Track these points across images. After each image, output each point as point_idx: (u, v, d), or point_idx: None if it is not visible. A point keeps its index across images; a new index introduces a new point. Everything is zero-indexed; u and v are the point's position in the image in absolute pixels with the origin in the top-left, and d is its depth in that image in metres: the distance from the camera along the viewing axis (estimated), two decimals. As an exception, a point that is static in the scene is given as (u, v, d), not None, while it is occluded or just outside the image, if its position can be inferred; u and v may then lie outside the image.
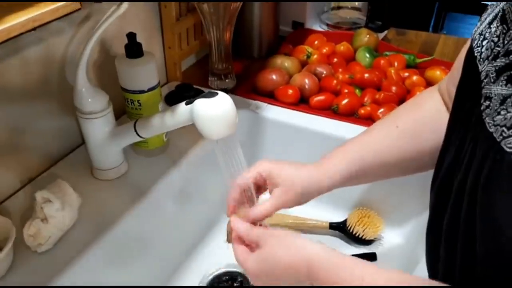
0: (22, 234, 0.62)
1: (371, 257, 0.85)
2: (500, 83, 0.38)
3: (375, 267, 0.47)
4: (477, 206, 0.39)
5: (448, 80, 0.60)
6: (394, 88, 0.93)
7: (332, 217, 0.91)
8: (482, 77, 0.41)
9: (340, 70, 1.00)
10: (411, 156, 0.61)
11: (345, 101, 0.90)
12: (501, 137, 0.36)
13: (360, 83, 0.96)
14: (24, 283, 0.59)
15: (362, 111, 0.89)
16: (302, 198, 0.60)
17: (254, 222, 0.59)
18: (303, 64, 1.03)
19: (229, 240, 0.59)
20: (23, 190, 0.73)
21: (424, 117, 0.62)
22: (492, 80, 0.39)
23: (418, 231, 0.83)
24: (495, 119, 0.37)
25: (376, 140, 0.63)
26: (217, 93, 0.55)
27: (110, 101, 0.71)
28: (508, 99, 0.36)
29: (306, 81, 0.94)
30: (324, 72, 0.98)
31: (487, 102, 0.39)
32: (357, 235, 0.86)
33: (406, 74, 0.99)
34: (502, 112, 0.37)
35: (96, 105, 0.68)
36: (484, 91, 0.40)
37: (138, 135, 0.66)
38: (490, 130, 0.37)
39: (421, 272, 0.72)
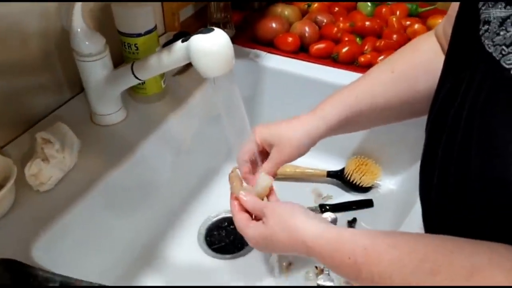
0: (23, 175, 0.63)
1: (368, 203, 0.86)
2: (499, 6, 0.38)
3: (375, 233, 0.46)
4: (474, 129, 0.39)
5: (445, 22, 0.59)
6: (395, 36, 0.92)
7: (330, 166, 0.92)
8: (480, 5, 0.41)
9: (341, 18, 0.99)
10: (407, 100, 0.61)
11: (345, 49, 0.89)
12: (500, 55, 0.36)
13: (361, 31, 0.95)
14: (26, 221, 0.61)
15: (362, 59, 0.89)
16: (300, 149, 0.61)
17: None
18: (304, 13, 1.02)
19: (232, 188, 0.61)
20: (23, 135, 0.74)
21: (419, 60, 0.61)
22: (490, 5, 0.39)
23: (414, 177, 0.83)
24: (494, 40, 0.37)
25: (372, 85, 0.63)
26: (213, 29, 0.55)
27: (107, 44, 0.70)
28: (507, 20, 0.36)
29: (306, 29, 0.93)
30: (325, 20, 0.97)
31: (486, 26, 0.39)
32: (354, 182, 0.87)
33: (408, 22, 0.97)
34: (502, 33, 0.36)
35: (93, 47, 0.68)
36: (482, 16, 0.40)
37: (136, 77, 0.66)
38: (489, 50, 0.37)
39: (415, 216, 0.73)
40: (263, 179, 0.59)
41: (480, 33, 0.40)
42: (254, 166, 0.63)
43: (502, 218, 0.39)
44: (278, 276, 0.76)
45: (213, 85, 0.59)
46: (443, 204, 0.47)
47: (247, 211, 0.58)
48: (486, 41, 0.38)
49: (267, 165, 0.61)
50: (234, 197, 0.60)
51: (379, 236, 0.45)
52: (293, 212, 0.53)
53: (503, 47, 0.36)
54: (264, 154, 0.64)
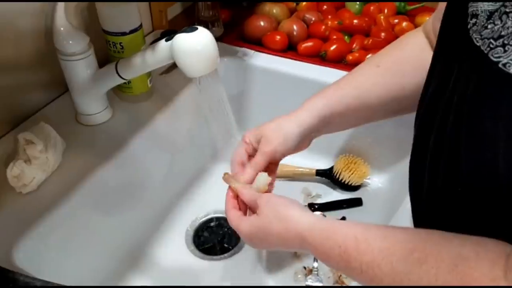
0: (6, 177, 0.62)
1: (357, 202, 0.86)
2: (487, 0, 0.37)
3: (367, 225, 0.47)
4: (463, 122, 0.39)
5: (434, 18, 0.59)
6: (383, 34, 0.92)
7: (319, 165, 0.92)
8: None
9: (329, 17, 0.98)
10: (393, 95, 0.61)
11: (333, 47, 0.89)
12: (488, 48, 0.36)
13: (349, 29, 0.94)
14: (8, 223, 0.60)
15: (350, 57, 0.88)
16: (287, 137, 0.59)
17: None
18: (292, 11, 1.01)
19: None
20: (6, 136, 0.72)
21: (406, 55, 0.61)
22: None
23: (402, 175, 0.83)
24: (482, 33, 0.37)
25: (357, 80, 0.63)
26: (196, 28, 0.54)
27: (91, 43, 0.69)
28: (495, 13, 0.36)
29: (295, 27, 0.92)
30: (313, 18, 0.96)
31: (474, 20, 0.39)
32: (343, 181, 0.87)
33: (396, 20, 0.97)
34: (489, 26, 0.37)
35: (76, 46, 0.67)
36: (470, 9, 0.40)
37: (120, 76, 0.65)
38: (477, 44, 0.37)
39: (404, 213, 0.73)
40: (261, 176, 0.58)
41: (468, 26, 0.40)
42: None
43: (493, 212, 0.39)
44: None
45: (198, 85, 0.59)
46: (433, 199, 0.47)
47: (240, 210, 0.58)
48: (474, 34, 0.39)
49: (256, 157, 0.60)
50: (230, 194, 0.59)
51: (371, 227, 0.46)
52: (287, 203, 0.53)
53: (491, 40, 0.36)
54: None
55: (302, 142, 0.62)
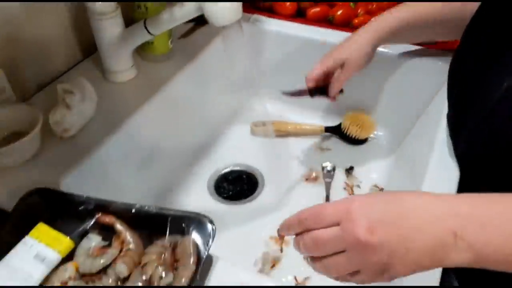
0: (47, 125, 0.68)
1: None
2: None
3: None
4: None
5: None
6: (386, -1, 0.97)
7: (328, 123, 0.98)
8: None
9: (336, -17, 1.04)
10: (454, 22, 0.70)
11: (339, 12, 0.95)
12: None
13: (354, -5, 1.00)
14: (50, 165, 0.65)
15: (356, 21, 0.94)
16: (367, 61, 0.77)
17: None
18: (300, -20, 1.07)
19: None
20: (42, 91, 0.79)
21: None
22: None
23: (405, 127, 0.90)
24: None
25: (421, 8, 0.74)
26: (223, -21, 0.60)
27: (118, 4, 0.75)
28: None
29: (303, -6, 0.98)
30: (320, -14, 1.02)
31: None
32: (351, 136, 0.93)
33: (399, -14, 1.03)
34: None
35: (105, 6, 0.72)
36: None
37: (149, 32, 0.71)
38: None
39: (401, 160, 0.79)
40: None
41: None
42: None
43: None
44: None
45: (223, 35, 0.65)
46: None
47: None
48: None
49: (342, 75, 0.77)
50: None
51: None
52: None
53: None
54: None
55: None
